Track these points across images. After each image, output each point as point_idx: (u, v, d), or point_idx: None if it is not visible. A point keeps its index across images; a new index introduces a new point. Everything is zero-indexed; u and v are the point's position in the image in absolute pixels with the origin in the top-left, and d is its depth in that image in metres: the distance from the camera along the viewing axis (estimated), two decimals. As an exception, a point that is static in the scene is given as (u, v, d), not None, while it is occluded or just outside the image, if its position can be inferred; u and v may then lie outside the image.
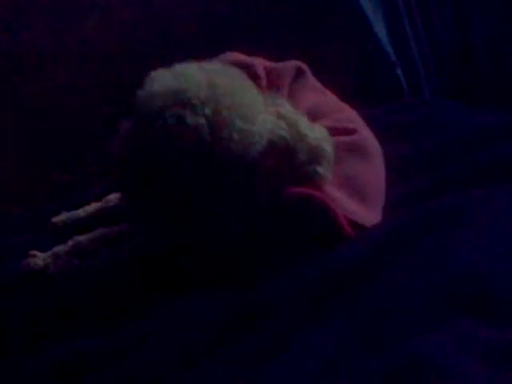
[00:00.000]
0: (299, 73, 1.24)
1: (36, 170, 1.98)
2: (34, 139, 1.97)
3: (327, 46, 2.27)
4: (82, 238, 1.24)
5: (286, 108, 1.03)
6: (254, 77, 1.13)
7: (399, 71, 2.41)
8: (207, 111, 0.91)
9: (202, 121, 0.90)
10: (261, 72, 1.16)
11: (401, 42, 2.43)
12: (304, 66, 1.26)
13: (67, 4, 1.98)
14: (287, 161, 1.00)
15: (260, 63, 1.20)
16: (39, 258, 1.22)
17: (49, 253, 1.23)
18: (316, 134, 1.02)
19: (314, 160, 1.00)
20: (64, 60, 1.99)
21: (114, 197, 1.42)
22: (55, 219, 1.43)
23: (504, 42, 2.46)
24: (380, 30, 2.39)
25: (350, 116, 1.23)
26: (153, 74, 0.99)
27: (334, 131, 1.08)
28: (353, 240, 1.03)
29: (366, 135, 1.19)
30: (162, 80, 0.96)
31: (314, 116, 1.11)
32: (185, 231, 1.00)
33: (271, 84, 1.16)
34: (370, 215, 1.08)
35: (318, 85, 1.30)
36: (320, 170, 1.00)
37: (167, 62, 1.03)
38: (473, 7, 2.47)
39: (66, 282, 1.16)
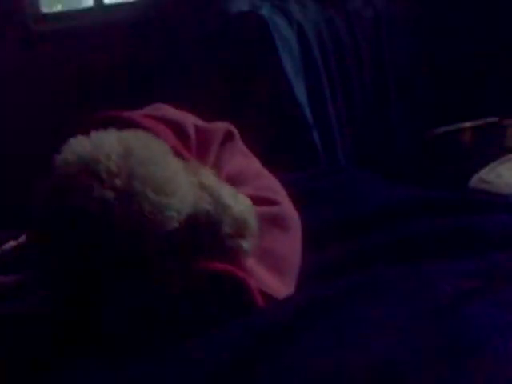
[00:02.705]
0: (228, 136, 1.22)
1: None
2: None
3: (247, 106, 2.29)
4: None
5: (210, 178, 1.01)
6: (183, 136, 1.11)
7: (315, 134, 2.45)
8: (118, 183, 0.87)
9: (110, 193, 0.87)
10: (191, 132, 1.14)
11: (319, 105, 2.47)
12: (234, 130, 1.25)
13: None
14: (210, 234, 0.96)
15: (191, 121, 1.17)
16: None
17: None
18: (240, 205, 0.99)
19: (239, 233, 0.97)
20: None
21: (10, 245, 1.35)
22: None
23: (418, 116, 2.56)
24: (300, 92, 2.42)
25: (272, 185, 1.22)
26: (71, 140, 0.96)
27: (255, 200, 1.05)
28: (260, 312, 0.99)
29: (287, 207, 1.18)
30: (77, 148, 0.94)
31: (236, 181, 1.09)
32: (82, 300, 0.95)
33: (200, 145, 1.14)
34: (284, 289, 1.06)
35: (245, 150, 1.29)
36: (244, 244, 0.98)
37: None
38: (390, 81, 2.56)
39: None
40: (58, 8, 3.48)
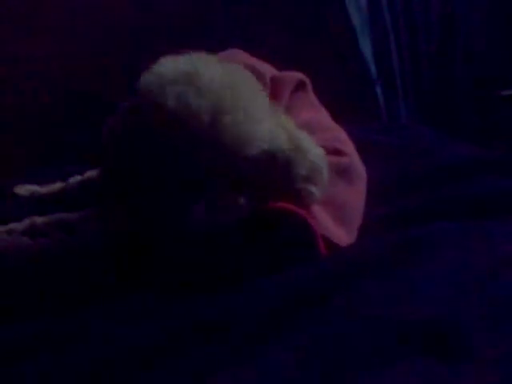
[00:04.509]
0: (300, 86, 1.22)
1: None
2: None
3: (312, 58, 2.26)
4: (38, 219, 1.17)
5: (289, 121, 1.01)
6: (261, 83, 1.10)
7: (379, 89, 2.42)
8: (214, 96, 0.86)
9: (205, 103, 0.85)
10: (267, 80, 1.14)
11: (384, 61, 2.44)
12: (306, 80, 1.24)
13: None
14: (284, 174, 0.96)
15: (267, 69, 1.18)
16: None
17: (4, 227, 1.18)
18: (317, 151, 0.99)
19: (312, 178, 0.97)
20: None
21: (76, 179, 1.37)
22: (17, 189, 1.38)
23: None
24: (365, 46, 2.39)
25: (341, 137, 1.22)
26: (162, 59, 0.94)
27: (325, 149, 1.05)
28: (322, 259, 1.00)
29: (355, 159, 1.18)
30: (171, 62, 0.92)
31: (305, 131, 1.06)
32: (151, 221, 0.94)
33: (273, 92, 1.14)
34: (347, 238, 1.07)
35: (315, 100, 1.28)
36: (315, 190, 0.97)
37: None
38: (458, 36, 2.49)
39: (16, 261, 1.09)
40: None
